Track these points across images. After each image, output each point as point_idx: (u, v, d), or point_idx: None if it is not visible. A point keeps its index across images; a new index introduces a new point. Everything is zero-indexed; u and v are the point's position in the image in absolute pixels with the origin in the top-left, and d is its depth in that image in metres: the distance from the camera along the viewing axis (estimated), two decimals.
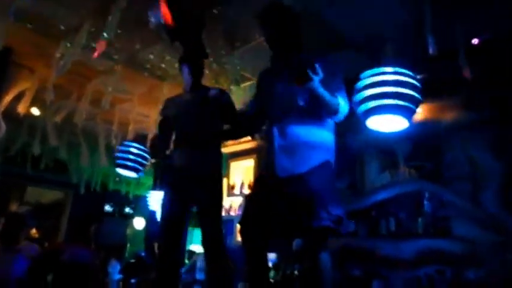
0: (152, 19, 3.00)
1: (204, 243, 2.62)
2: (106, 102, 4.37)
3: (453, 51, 3.64)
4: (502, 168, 4.19)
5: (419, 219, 3.21)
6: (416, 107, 1.82)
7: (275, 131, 2.09)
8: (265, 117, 2.27)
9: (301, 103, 2.07)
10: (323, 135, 2.11)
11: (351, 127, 5.08)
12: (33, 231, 9.85)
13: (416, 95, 1.77)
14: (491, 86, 4.15)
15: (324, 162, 2.04)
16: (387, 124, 1.88)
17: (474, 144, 4.40)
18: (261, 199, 2.10)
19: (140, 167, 3.55)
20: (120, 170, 3.52)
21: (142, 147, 3.58)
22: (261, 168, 2.27)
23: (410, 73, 1.83)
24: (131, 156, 3.47)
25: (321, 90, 1.92)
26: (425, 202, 3.23)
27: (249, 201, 2.26)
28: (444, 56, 3.64)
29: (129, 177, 3.72)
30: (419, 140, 4.79)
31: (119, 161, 3.50)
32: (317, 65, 1.87)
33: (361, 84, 1.81)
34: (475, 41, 3.80)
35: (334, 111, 2.03)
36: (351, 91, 4.66)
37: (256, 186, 2.24)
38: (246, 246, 2.11)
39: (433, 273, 3.04)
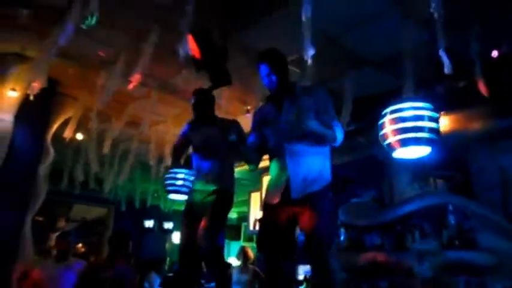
0: (181, 51, 3.25)
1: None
2: (145, 126, 4.69)
3: (474, 64, 3.70)
4: None
5: (444, 232, 3.25)
6: (436, 135, 1.96)
7: (285, 159, 2.30)
8: (264, 151, 2.50)
9: (302, 134, 2.28)
10: (326, 162, 2.36)
11: (377, 139, 5.20)
12: (80, 246, 10.41)
13: (433, 125, 1.90)
14: None
15: (327, 184, 2.30)
16: (411, 153, 2.02)
17: (503, 154, 4.37)
18: (270, 222, 2.33)
19: (188, 190, 3.83)
20: (172, 196, 3.80)
21: (187, 171, 3.84)
22: (267, 194, 2.42)
23: (427, 105, 1.97)
24: (178, 182, 3.74)
25: (319, 130, 2.22)
26: (450, 214, 3.26)
27: (261, 225, 2.48)
28: (467, 69, 3.71)
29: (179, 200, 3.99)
30: (448, 150, 4.80)
31: (169, 188, 3.78)
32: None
33: (382, 121, 1.97)
34: (494, 53, 3.82)
35: (333, 141, 2.31)
36: (371, 106, 4.81)
37: (264, 210, 2.43)
38: (265, 262, 2.36)
39: (460, 285, 3.07)
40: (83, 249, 10.45)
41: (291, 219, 2.27)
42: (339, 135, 2.31)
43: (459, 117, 4.61)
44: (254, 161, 2.53)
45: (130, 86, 3.68)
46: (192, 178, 3.91)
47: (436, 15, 3.01)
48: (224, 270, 2.94)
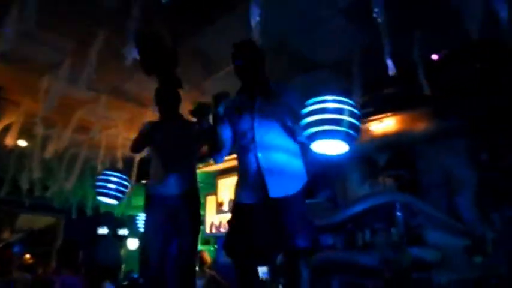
0: (129, 56, 3.16)
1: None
2: (95, 132, 4.53)
3: (417, 66, 3.87)
4: (475, 176, 4.39)
5: (393, 229, 3.38)
6: (356, 132, 2.01)
7: (257, 155, 2.23)
8: (231, 145, 2.43)
9: (274, 131, 2.26)
10: (298, 161, 2.30)
11: None
12: (27, 257, 9.89)
13: (354, 121, 1.95)
14: (457, 96, 4.37)
15: (302, 187, 2.23)
16: (329, 148, 2.07)
17: (447, 153, 4.61)
18: (245, 225, 2.21)
19: (120, 195, 3.69)
20: (101, 198, 3.66)
21: (121, 175, 3.72)
22: (241, 193, 2.32)
23: (350, 101, 2.02)
24: (111, 185, 3.60)
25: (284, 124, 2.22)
26: (398, 213, 3.40)
27: (233, 228, 2.31)
28: (411, 71, 3.87)
29: (110, 204, 3.87)
30: (396, 150, 5.00)
31: (99, 190, 3.64)
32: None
33: (305, 111, 2.00)
34: (434, 56, 4.02)
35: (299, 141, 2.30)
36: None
37: (237, 212, 2.32)
38: (236, 265, 2.23)
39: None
40: (30, 261, 9.93)
41: (266, 220, 2.16)
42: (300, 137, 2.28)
43: (405, 118, 4.81)
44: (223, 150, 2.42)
45: None
46: (126, 183, 3.80)
47: (379, 20, 3.13)
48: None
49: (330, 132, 1.98)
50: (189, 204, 2.89)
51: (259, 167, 2.20)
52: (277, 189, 2.15)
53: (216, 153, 2.43)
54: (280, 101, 2.31)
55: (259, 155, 2.22)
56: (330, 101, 2.00)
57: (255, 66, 2.39)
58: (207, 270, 5.11)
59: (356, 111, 2.04)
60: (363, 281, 3.18)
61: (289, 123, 2.26)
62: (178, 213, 2.83)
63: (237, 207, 2.32)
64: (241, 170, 2.35)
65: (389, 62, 3.14)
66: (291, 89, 2.47)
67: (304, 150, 2.39)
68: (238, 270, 2.22)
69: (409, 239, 3.39)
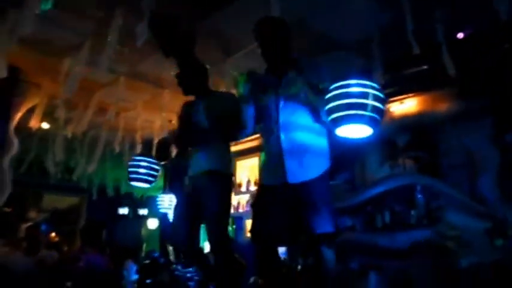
0: (141, 36, 3.14)
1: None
2: (111, 114, 4.58)
3: (440, 45, 3.76)
4: (498, 157, 4.30)
5: (412, 212, 3.35)
6: (380, 116, 1.97)
7: (280, 137, 2.19)
8: (253, 124, 2.39)
9: (300, 112, 2.21)
10: (323, 142, 2.25)
11: None
12: (53, 235, 10.22)
13: (378, 105, 1.91)
14: (482, 76, 4.25)
15: (326, 170, 2.19)
16: (353, 132, 2.04)
17: (469, 134, 4.50)
18: (267, 207, 2.20)
19: (151, 178, 3.77)
20: (133, 183, 3.74)
21: (151, 159, 3.78)
22: (264, 175, 2.33)
23: (374, 84, 1.97)
24: (142, 170, 3.67)
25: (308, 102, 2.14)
26: (418, 194, 3.36)
27: (256, 210, 2.31)
28: (434, 51, 3.77)
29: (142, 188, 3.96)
30: (416, 130, 4.91)
31: (131, 175, 3.72)
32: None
33: (328, 95, 1.96)
34: (460, 35, 3.90)
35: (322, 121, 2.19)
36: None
37: (261, 194, 2.32)
38: (257, 248, 2.22)
39: (427, 262, 3.19)
40: (56, 239, 10.25)
41: (289, 205, 2.16)
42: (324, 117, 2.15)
43: (426, 98, 4.70)
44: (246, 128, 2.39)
45: None
46: (156, 166, 3.83)
47: None
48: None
49: (355, 116, 1.94)
50: (213, 183, 2.73)
51: (281, 150, 2.17)
52: (297, 174, 2.13)
53: (239, 131, 2.41)
54: (307, 80, 2.21)
55: (282, 137, 2.18)
56: (354, 85, 1.96)
57: (280, 43, 2.30)
58: None
59: (381, 94, 2.00)
60: (382, 263, 3.17)
61: (315, 103, 2.17)
62: (202, 193, 2.72)
63: (259, 188, 2.34)
64: (265, 151, 2.34)
65: (413, 41, 3.04)
66: (319, 66, 2.35)
67: (329, 131, 2.30)
68: (258, 251, 2.22)
69: (429, 221, 3.35)
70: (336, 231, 2.19)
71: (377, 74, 3.99)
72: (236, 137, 2.54)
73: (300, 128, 2.19)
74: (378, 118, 1.97)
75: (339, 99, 1.95)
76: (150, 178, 3.90)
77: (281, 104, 2.22)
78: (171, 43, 3.02)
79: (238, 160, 6.99)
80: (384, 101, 2.03)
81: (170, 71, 4.80)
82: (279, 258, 2.33)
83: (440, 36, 3.63)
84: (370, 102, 1.93)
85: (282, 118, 2.20)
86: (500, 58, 3.93)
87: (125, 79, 4.92)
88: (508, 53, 3.79)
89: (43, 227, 8.88)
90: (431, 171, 4.37)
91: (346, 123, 1.98)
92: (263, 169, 2.35)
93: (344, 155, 5.10)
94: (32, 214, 10.25)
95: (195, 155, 2.90)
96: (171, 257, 6.03)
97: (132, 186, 3.89)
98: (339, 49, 4.20)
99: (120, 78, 4.86)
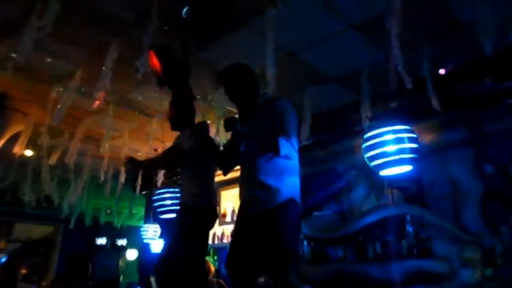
0: (141, 68, 3.19)
1: None
2: (103, 142, 4.55)
3: (424, 79, 3.93)
4: (480, 187, 4.43)
5: (403, 241, 3.39)
6: (417, 153, 2.07)
7: (248, 171, 2.37)
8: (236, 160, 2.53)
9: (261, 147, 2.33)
10: (286, 179, 2.33)
11: (339, 154, 5.34)
12: (22, 267, 9.76)
13: (414, 145, 2.01)
14: (463, 109, 4.43)
15: (289, 198, 2.27)
16: (395, 171, 2.13)
17: (452, 165, 4.64)
18: (239, 235, 2.37)
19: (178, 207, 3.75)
20: (163, 216, 3.68)
21: (173, 189, 3.75)
22: (239, 206, 2.47)
23: (407, 127, 2.07)
24: (167, 202, 3.64)
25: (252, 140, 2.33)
26: (408, 224, 3.42)
27: (231, 238, 2.50)
28: (418, 85, 3.93)
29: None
30: None
31: (159, 209, 3.66)
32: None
33: (365, 144, 2.06)
34: (441, 71, 4.08)
35: (274, 152, 2.25)
36: (330, 120, 4.95)
37: (235, 224, 2.48)
38: (232, 277, 2.32)
39: None
40: (24, 271, 9.76)
41: (255, 233, 2.26)
42: (283, 147, 2.22)
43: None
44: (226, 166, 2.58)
45: (96, 104, 3.54)
46: (179, 194, 3.82)
47: (391, 35, 3.20)
48: None
49: (396, 161, 2.05)
50: (183, 216, 2.91)
51: (248, 181, 2.35)
52: (259, 205, 2.26)
53: (226, 170, 2.59)
54: (266, 114, 2.37)
55: (250, 172, 2.34)
56: (388, 133, 2.06)
57: (241, 88, 2.51)
58: (214, 279, 5.09)
59: (414, 134, 2.11)
60: None
61: (276, 137, 2.26)
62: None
63: (236, 219, 2.46)
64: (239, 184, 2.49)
65: (405, 75, 3.18)
66: (279, 101, 2.48)
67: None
68: (233, 282, 2.32)
69: (418, 251, 3.40)
70: (296, 253, 2.30)
71: (365, 107, 4.11)
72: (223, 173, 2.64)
73: (259, 167, 2.30)
74: (415, 157, 2.06)
75: (377, 148, 2.04)
76: (177, 208, 3.86)
77: (245, 141, 2.39)
78: (169, 73, 3.07)
79: (222, 190, 6.95)
80: (417, 140, 2.12)
81: (157, 100, 4.88)
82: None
83: (425, 72, 3.79)
84: (406, 145, 2.03)
85: (247, 153, 2.36)
86: (481, 91, 4.12)
87: (113, 108, 4.90)
88: (489, 86, 3.98)
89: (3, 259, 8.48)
90: (417, 202, 4.45)
91: (389, 167, 2.06)
92: (239, 201, 2.47)
93: (331, 185, 5.20)
94: (1, 244, 9.83)
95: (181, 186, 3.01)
96: None
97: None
98: (327, 81, 4.32)
99: (109, 106, 4.83)
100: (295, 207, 2.29)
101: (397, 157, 1.96)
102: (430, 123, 4.68)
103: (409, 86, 3.34)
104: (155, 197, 3.72)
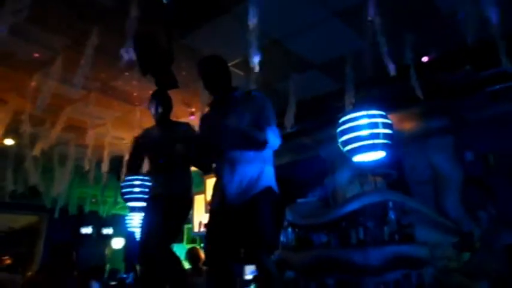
0: (125, 55, 3.15)
1: None
2: (86, 130, 4.49)
3: (407, 67, 3.97)
4: (460, 174, 4.53)
5: (385, 228, 3.45)
6: (391, 139, 2.08)
7: (224, 165, 2.38)
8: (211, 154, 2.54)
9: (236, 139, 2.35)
10: (265, 167, 2.40)
11: (323, 141, 5.38)
12: (5, 258, 9.63)
13: (388, 131, 2.01)
14: (444, 97, 4.50)
15: (267, 187, 2.34)
16: (369, 157, 2.13)
17: (433, 151, 4.73)
18: (217, 227, 2.36)
19: (146, 196, 3.73)
20: (130, 204, 3.66)
21: (143, 177, 3.72)
22: (212, 198, 2.48)
23: (382, 112, 2.08)
24: (136, 189, 3.61)
25: (245, 131, 2.30)
26: (390, 211, 3.47)
27: (208, 230, 2.47)
28: (400, 73, 3.97)
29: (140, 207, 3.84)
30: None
31: (126, 196, 3.62)
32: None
33: (340, 129, 2.06)
34: (424, 58, 4.13)
35: (262, 144, 2.33)
36: (314, 107, 4.97)
37: (209, 215, 2.48)
38: (211, 266, 2.36)
39: (400, 278, 3.28)
40: (8, 261, 9.64)
41: (232, 223, 2.30)
42: (271, 138, 2.32)
43: (394, 118, 4.89)
44: (206, 167, 2.59)
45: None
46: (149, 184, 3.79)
47: (372, 22, 3.22)
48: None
49: (369, 146, 2.04)
50: (173, 205, 2.93)
51: (225, 175, 2.35)
52: (238, 197, 2.29)
53: (205, 171, 2.65)
54: (247, 107, 2.41)
55: (226, 164, 2.36)
56: (363, 117, 2.06)
57: (217, 78, 2.52)
58: (204, 267, 5.10)
59: (388, 120, 2.11)
60: (359, 280, 3.24)
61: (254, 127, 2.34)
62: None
63: (209, 210, 2.50)
64: (215, 176, 2.50)
65: (389, 62, 3.21)
66: (259, 96, 2.53)
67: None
68: (211, 271, 2.37)
69: (400, 237, 3.46)
70: (274, 242, 2.39)
71: (348, 94, 4.14)
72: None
73: (239, 157, 2.35)
74: (389, 143, 2.07)
75: (350, 132, 2.04)
76: (146, 196, 3.82)
77: (222, 133, 2.37)
78: (152, 61, 3.04)
79: (207, 178, 6.96)
80: (391, 126, 2.14)
81: (141, 88, 4.83)
82: (232, 277, 2.41)
83: (408, 60, 3.83)
84: (380, 131, 2.03)
85: (224, 146, 2.38)
86: (461, 80, 4.18)
87: (96, 95, 4.83)
88: (469, 75, 4.04)
89: None
90: (399, 188, 4.54)
91: (361, 153, 2.07)
92: (213, 193, 2.48)
93: (316, 172, 5.25)
94: None
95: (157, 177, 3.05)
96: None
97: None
98: (311, 69, 4.33)
99: (90, 94, 4.77)
100: (273, 194, 2.36)
101: (370, 142, 1.97)
102: (412, 111, 4.75)
103: (393, 72, 3.37)
104: (124, 183, 3.70)
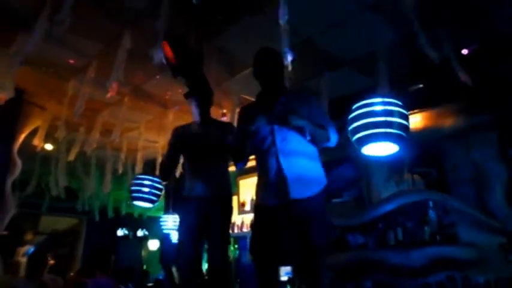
0: (155, 57, 3.16)
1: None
2: (116, 135, 4.55)
3: (446, 61, 3.79)
4: (505, 171, 4.29)
5: (426, 228, 3.31)
6: (406, 132, 1.95)
7: (278, 158, 2.27)
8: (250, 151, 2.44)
9: (295, 135, 2.29)
10: (317, 163, 2.36)
11: None
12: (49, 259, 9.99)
13: (403, 122, 1.89)
14: (488, 91, 4.27)
15: (323, 188, 2.29)
16: (380, 150, 2.01)
17: (475, 149, 4.50)
18: (267, 224, 2.26)
19: (155, 198, 3.70)
20: (136, 202, 3.67)
21: (154, 178, 3.72)
22: (263, 195, 2.36)
23: (398, 102, 1.96)
24: (145, 189, 3.61)
25: (311, 129, 2.24)
26: (430, 211, 3.33)
27: (256, 230, 2.37)
28: (440, 66, 3.79)
29: (145, 208, 3.85)
30: (422, 146, 4.90)
31: (134, 194, 3.64)
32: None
33: (352, 115, 1.96)
34: (464, 51, 3.93)
35: (327, 140, 2.32)
36: (347, 105, 4.85)
37: (260, 214, 2.37)
38: (258, 266, 2.26)
39: (444, 280, 3.13)
40: (51, 262, 9.98)
41: (288, 222, 2.22)
42: (333, 136, 2.32)
43: (432, 114, 4.72)
44: (244, 159, 2.49)
45: (109, 95, 3.53)
46: (159, 185, 3.75)
47: (409, 14, 3.08)
48: None
49: (382, 135, 1.93)
50: (221, 209, 2.85)
51: (280, 169, 2.25)
52: (298, 191, 2.20)
53: (240, 162, 2.48)
54: (300, 105, 2.36)
55: (281, 157, 2.26)
56: (378, 104, 1.95)
57: (276, 72, 2.47)
58: None
59: (404, 111, 1.99)
60: (397, 281, 3.11)
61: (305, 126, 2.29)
62: (210, 218, 2.79)
63: (259, 209, 2.36)
64: (261, 173, 2.39)
65: (431, 53, 3.06)
66: (314, 97, 2.53)
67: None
68: (260, 271, 2.26)
69: (442, 238, 3.31)
70: (330, 245, 2.22)
71: (383, 90, 4.00)
72: (235, 166, 2.56)
73: (295, 150, 2.28)
74: (403, 135, 1.95)
75: (364, 118, 1.94)
76: (153, 198, 3.82)
77: (276, 127, 2.30)
78: (183, 63, 3.04)
79: (241, 179, 6.93)
80: (408, 118, 2.02)
81: (173, 91, 4.86)
82: (279, 277, 2.35)
83: (447, 52, 3.65)
84: (395, 119, 1.92)
85: (278, 141, 2.29)
86: (505, 73, 3.96)
87: (129, 99, 4.91)
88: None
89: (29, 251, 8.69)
90: (439, 187, 4.35)
91: (372, 142, 1.96)
92: (261, 190, 2.37)
93: (350, 171, 5.10)
94: (29, 236, 10.07)
95: (199, 179, 2.92)
96: (176, 279, 5.92)
97: (134, 206, 3.79)
98: (345, 66, 4.22)
99: (124, 98, 4.85)
100: (324, 194, 2.30)
101: (383, 130, 1.83)
102: (451, 107, 4.55)
103: (437, 62, 3.20)
104: (134, 181, 3.68)
